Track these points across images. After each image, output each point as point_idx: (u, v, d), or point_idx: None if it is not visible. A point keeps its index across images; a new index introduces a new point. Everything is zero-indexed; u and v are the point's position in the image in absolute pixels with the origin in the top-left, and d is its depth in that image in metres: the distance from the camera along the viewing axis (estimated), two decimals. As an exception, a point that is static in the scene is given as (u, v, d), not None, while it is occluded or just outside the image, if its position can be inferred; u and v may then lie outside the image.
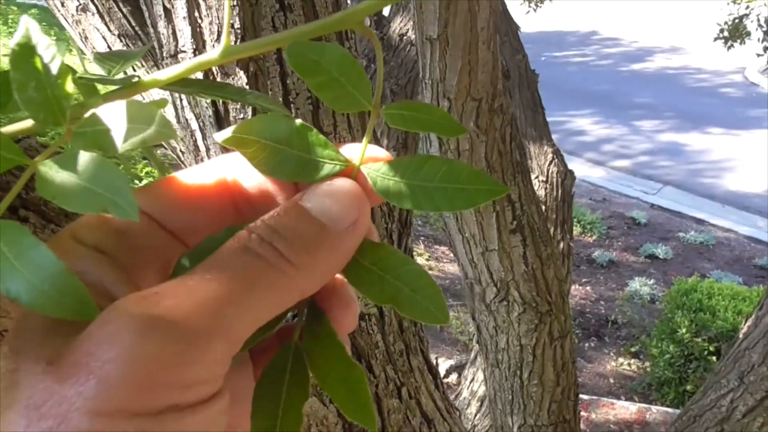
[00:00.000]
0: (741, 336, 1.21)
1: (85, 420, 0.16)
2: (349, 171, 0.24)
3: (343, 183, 0.23)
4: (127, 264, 0.22)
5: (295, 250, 0.21)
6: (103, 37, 1.46)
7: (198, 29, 0.68)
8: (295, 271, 0.21)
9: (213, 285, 0.19)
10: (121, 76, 0.26)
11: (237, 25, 0.66)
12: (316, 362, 0.23)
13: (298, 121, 0.24)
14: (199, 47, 0.67)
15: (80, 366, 0.17)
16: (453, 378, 3.11)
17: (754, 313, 1.20)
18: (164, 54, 0.71)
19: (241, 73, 0.67)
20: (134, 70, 1.23)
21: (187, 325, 0.18)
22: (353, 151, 0.24)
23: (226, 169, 0.25)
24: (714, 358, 2.70)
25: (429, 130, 0.24)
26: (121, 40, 1.47)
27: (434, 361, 0.83)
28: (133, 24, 1.43)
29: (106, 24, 1.46)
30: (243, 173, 0.25)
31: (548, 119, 1.85)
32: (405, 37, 2.03)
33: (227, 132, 0.23)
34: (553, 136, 1.86)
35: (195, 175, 0.25)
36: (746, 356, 1.16)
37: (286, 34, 0.25)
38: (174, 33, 0.70)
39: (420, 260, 4.05)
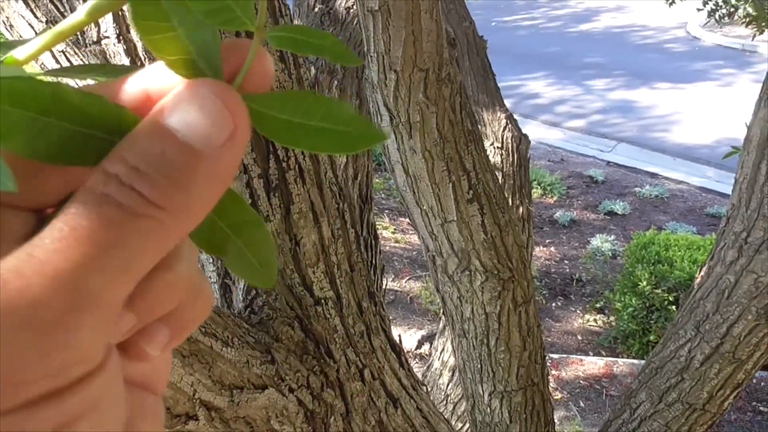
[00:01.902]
0: (695, 287, 1.25)
1: None
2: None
3: (209, 85, 0.19)
4: None
5: (162, 190, 0.17)
6: (30, 24, 1.38)
7: (120, 12, 0.64)
8: (167, 216, 0.17)
9: (68, 252, 0.16)
10: None
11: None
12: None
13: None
14: (123, 32, 0.63)
15: None
16: (425, 348, 3.14)
17: (707, 263, 1.23)
18: (87, 41, 0.67)
19: (171, 58, 0.64)
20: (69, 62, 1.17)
21: (44, 310, 0.15)
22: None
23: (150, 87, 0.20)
24: (674, 307, 2.79)
25: (320, 54, 0.21)
26: (49, 27, 1.39)
27: (398, 338, 0.83)
28: (62, 10, 1.36)
29: (31, 10, 1.38)
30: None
31: (502, 84, 1.85)
32: (352, 10, 1.99)
33: None
34: (508, 101, 1.86)
35: (109, 92, 0.20)
36: (701, 306, 1.19)
37: None
38: (96, 20, 0.67)
39: (386, 233, 4.06)
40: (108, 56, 0.67)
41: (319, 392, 0.62)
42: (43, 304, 0.15)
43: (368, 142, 0.19)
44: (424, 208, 1.15)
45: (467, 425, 1.50)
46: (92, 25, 0.66)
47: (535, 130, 5.54)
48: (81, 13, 0.21)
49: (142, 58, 0.65)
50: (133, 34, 0.64)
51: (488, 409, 1.28)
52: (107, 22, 0.65)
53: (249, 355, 0.56)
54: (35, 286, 0.16)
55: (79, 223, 0.16)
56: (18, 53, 0.21)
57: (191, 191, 0.18)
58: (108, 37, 0.64)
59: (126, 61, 0.68)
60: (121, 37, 0.64)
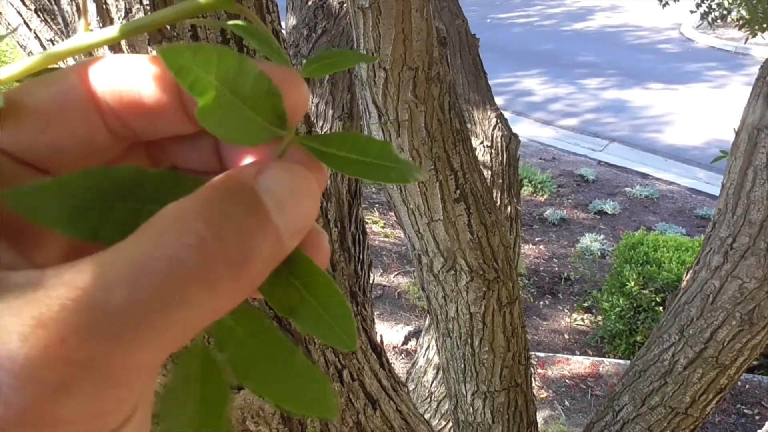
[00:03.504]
0: (681, 291, 1.25)
1: None
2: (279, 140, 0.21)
3: (306, 176, 0.19)
4: None
5: (241, 257, 0.17)
6: (18, 12, 1.36)
7: (104, 6, 0.63)
8: (233, 284, 0.17)
9: (125, 306, 0.15)
10: None
11: (145, 1, 0.61)
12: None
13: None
14: (106, 26, 0.62)
15: None
16: (412, 344, 3.14)
17: (692, 267, 1.24)
18: (71, 33, 0.66)
19: (153, 52, 0.63)
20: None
21: (98, 359, 0.14)
22: None
23: (88, 78, 0.20)
24: (661, 308, 2.80)
25: (347, 66, 0.24)
26: (38, 15, 1.37)
27: (380, 339, 0.82)
28: (54, -1, 1.34)
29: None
30: (110, 82, 0.20)
31: (495, 81, 1.84)
32: (345, 5, 1.98)
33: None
34: (502, 98, 1.86)
35: (50, 88, 0.20)
36: (685, 310, 1.19)
37: (172, 10, 0.22)
38: (79, 10, 0.65)
39: (375, 228, 4.05)
40: (93, 53, 0.66)
41: (297, 394, 0.61)
42: (94, 375, 0.15)
43: (410, 176, 0.22)
44: (411, 206, 1.15)
45: (450, 424, 1.50)
46: (75, 16, 0.65)
47: (527, 128, 5.54)
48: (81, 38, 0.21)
49: (125, 52, 0.64)
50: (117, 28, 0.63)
51: (471, 408, 1.28)
52: (90, 15, 0.64)
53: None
54: (88, 355, 0.15)
55: (140, 275, 0.15)
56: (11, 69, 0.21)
57: (261, 265, 0.18)
58: (91, 30, 0.63)
59: (107, 53, 0.66)
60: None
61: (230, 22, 0.23)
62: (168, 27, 0.63)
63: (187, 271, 0.16)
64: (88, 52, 0.66)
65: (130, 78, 0.20)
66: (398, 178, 0.22)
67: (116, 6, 0.63)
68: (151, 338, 0.15)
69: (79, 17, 0.66)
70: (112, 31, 0.22)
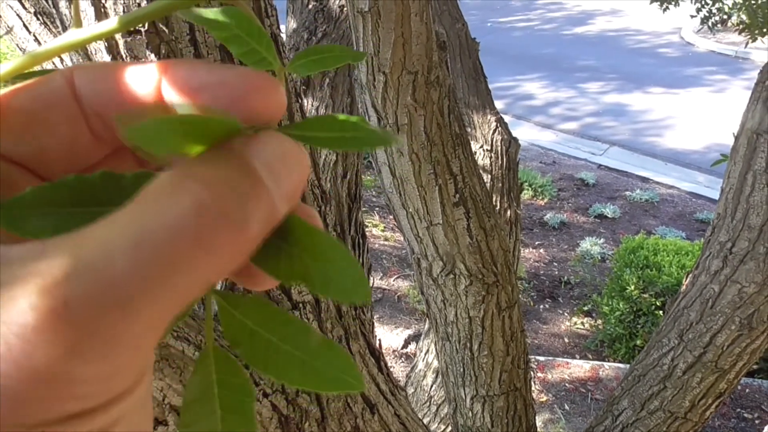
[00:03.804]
0: (680, 295, 1.25)
1: None
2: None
3: (294, 145, 0.20)
4: None
5: (240, 214, 0.17)
6: (18, 15, 1.36)
7: (102, 9, 0.63)
8: (234, 242, 0.17)
9: (128, 268, 0.15)
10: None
11: (144, 4, 0.61)
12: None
13: None
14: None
15: None
16: (411, 348, 3.14)
17: (692, 272, 1.23)
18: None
19: (153, 56, 0.63)
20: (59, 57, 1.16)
21: (106, 322, 0.15)
22: None
23: (73, 80, 0.20)
24: (660, 312, 2.80)
25: (335, 64, 0.24)
26: (37, 18, 1.37)
27: (378, 343, 0.82)
28: (50, 1, 1.35)
29: (20, 1, 1.36)
30: (94, 86, 0.20)
31: (496, 85, 1.85)
32: (345, 9, 1.98)
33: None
34: (502, 102, 1.86)
35: (36, 88, 0.20)
36: (685, 315, 1.19)
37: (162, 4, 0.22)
38: (77, 13, 0.65)
39: (375, 231, 4.05)
40: (89, 53, 0.66)
41: (293, 397, 0.61)
42: (102, 336, 0.15)
43: (386, 142, 0.21)
44: (410, 210, 1.15)
45: (450, 428, 1.50)
46: (72, 20, 0.65)
47: (528, 132, 5.54)
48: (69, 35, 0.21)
49: (123, 56, 0.64)
50: (114, 31, 0.63)
51: (470, 412, 1.27)
52: (89, 18, 0.64)
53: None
54: (96, 318, 0.15)
55: (139, 241, 0.16)
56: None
57: (256, 224, 0.18)
58: (88, 34, 0.63)
59: (107, 58, 0.66)
60: (101, 34, 0.63)
61: (210, 10, 0.23)
62: (166, 31, 0.63)
63: (186, 234, 0.16)
64: (84, 54, 0.66)
65: (113, 82, 0.20)
66: (377, 142, 0.21)
67: (114, 9, 0.63)
68: (154, 302, 0.16)
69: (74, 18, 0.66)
70: (104, 26, 0.22)
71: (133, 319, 0.15)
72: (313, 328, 0.20)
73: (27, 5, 1.34)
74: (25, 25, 1.35)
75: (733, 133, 1.17)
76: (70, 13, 0.65)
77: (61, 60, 1.04)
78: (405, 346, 3.16)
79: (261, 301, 0.20)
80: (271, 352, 0.20)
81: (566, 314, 3.48)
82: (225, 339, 0.20)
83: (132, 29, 0.61)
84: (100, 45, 0.65)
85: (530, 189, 4.64)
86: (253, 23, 0.22)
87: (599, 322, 3.26)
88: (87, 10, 0.64)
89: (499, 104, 1.81)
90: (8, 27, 1.32)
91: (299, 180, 0.20)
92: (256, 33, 0.22)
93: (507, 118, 1.88)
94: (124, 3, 0.63)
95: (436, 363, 1.75)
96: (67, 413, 0.15)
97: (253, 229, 0.18)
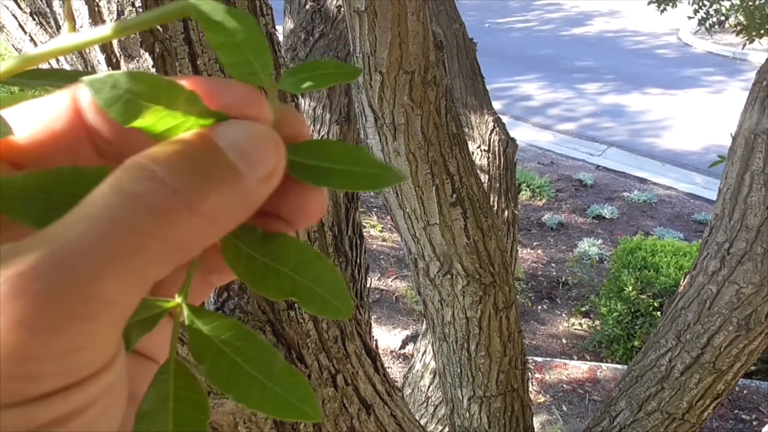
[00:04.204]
0: (678, 296, 1.24)
1: None
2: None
3: (263, 126, 0.20)
4: None
5: (200, 194, 0.17)
6: (13, 15, 1.36)
7: (96, 8, 0.63)
8: (195, 221, 0.17)
9: (88, 249, 0.16)
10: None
11: (138, 3, 0.61)
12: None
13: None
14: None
15: None
16: (409, 349, 3.14)
17: (689, 273, 1.23)
18: (61, 37, 0.65)
19: (147, 55, 0.62)
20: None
21: (61, 310, 0.15)
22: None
23: (77, 97, 0.20)
24: (658, 313, 2.80)
25: (329, 83, 0.23)
26: (33, 18, 1.37)
27: (374, 343, 0.82)
28: (45, 1, 1.35)
29: (16, 1, 1.36)
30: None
31: (494, 85, 1.85)
32: (343, 9, 1.98)
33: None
34: (500, 102, 1.86)
35: (41, 110, 0.20)
36: (682, 315, 1.19)
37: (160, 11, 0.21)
38: (69, 14, 0.65)
39: (373, 231, 4.05)
40: (84, 52, 0.66)
41: (289, 399, 0.60)
42: (58, 285, 0.15)
43: (387, 182, 0.21)
44: (407, 210, 1.14)
45: (447, 428, 1.49)
46: (67, 21, 0.65)
47: (526, 133, 5.55)
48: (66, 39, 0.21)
49: (118, 56, 0.63)
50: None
51: (467, 413, 1.27)
52: (83, 18, 0.64)
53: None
54: (46, 268, 0.15)
55: (100, 222, 0.16)
56: None
57: (225, 205, 0.18)
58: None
59: (102, 59, 0.66)
60: (95, 32, 0.63)
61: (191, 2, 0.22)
62: (160, 29, 0.63)
63: (143, 203, 0.17)
64: (80, 56, 0.65)
65: None
66: (371, 185, 0.21)
67: (108, 8, 0.63)
68: (113, 270, 0.16)
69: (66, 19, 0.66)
70: (98, 32, 0.21)
71: (92, 286, 0.15)
72: (278, 353, 0.20)
73: (23, 5, 1.33)
74: (20, 25, 1.34)
75: (731, 134, 1.17)
76: (63, 12, 0.65)
77: (57, 60, 1.04)
78: (403, 346, 3.16)
79: (232, 323, 0.21)
80: (233, 372, 0.20)
81: (564, 315, 3.48)
82: (190, 353, 0.20)
83: (126, 27, 0.60)
84: (95, 45, 0.65)
85: (528, 190, 4.64)
86: (261, 37, 0.22)
87: (597, 322, 3.26)
88: (81, 9, 0.64)
89: (497, 105, 1.81)
90: (7, 30, 1.31)
91: (275, 161, 0.19)
92: (257, 46, 0.21)
93: (505, 119, 1.87)
94: (118, 2, 0.63)
95: (433, 364, 1.75)
96: (24, 396, 0.15)
97: (211, 201, 0.18)
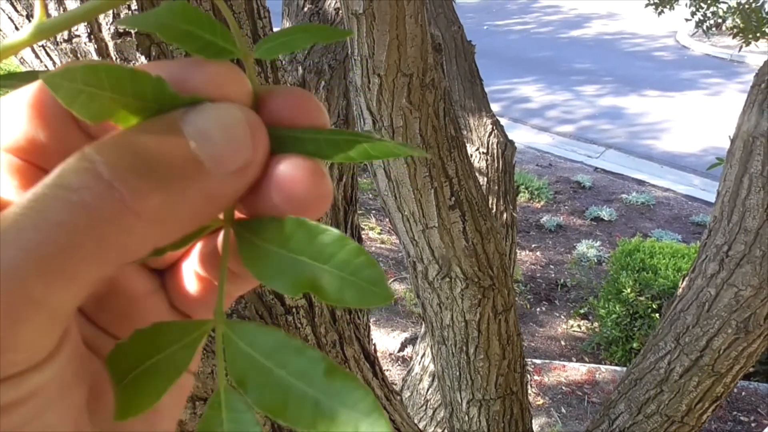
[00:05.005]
0: (676, 298, 1.24)
1: None
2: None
3: (238, 110, 0.17)
4: None
5: (145, 193, 0.16)
6: (10, 18, 1.35)
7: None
8: (139, 224, 0.16)
9: (17, 250, 0.15)
10: None
11: (134, 6, 0.61)
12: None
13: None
14: (95, 30, 0.62)
15: None
16: (408, 351, 3.13)
17: (688, 275, 1.23)
18: (58, 39, 0.65)
19: (143, 58, 0.62)
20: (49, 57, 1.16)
21: None
22: None
23: None
24: (657, 315, 2.80)
25: (306, 43, 0.21)
26: (29, 21, 1.37)
27: (373, 347, 0.81)
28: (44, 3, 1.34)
29: (12, 3, 1.35)
30: None
31: (492, 88, 1.84)
32: (341, 11, 1.97)
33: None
34: (499, 104, 1.86)
35: (28, 97, 0.19)
36: (681, 318, 1.19)
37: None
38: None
39: (372, 234, 4.04)
40: (79, 55, 0.65)
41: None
42: None
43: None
44: (406, 213, 1.14)
45: (446, 431, 1.49)
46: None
47: (524, 135, 5.55)
48: (25, 32, 0.20)
49: (114, 58, 0.63)
50: (105, 34, 0.62)
51: (466, 417, 1.27)
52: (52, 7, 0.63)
53: (214, 365, 0.54)
54: None
55: (35, 222, 0.15)
56: None
57: (176, 205, 0.16)
58: (79, 36, 0.62)
59: (95, 57, 0.66)
60: (92, 36, 0.62)
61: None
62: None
63: (76, 198, 0.15)
64: (74, 57, 0.65)
65: None
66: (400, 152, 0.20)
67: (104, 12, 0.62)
68: (40, 269, 0.15)
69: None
70: (71, 13, 0.20)
71: (8, 295, 0.14)
72: (328, 360, 0.18)
73: (19, 8, 1.33)
74: (17, 27, 1.34)
75: (729, 136, 1.17)
76: (58, 15, 0.65)
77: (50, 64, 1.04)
78: (401, 349, 3.15)
79: (271, 330, 0.18)
80: (280, 390, 0.17)
81: (563, 317, 3.48)
82: (230, 375, 0.18)
83: (122, 30, 0.60)
84: (90, 47, 0.64)
85: (526, 192, 4.64)
86: (200, 13, 0.20)
87: (596, 324, 3.26)
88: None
89: (495, 107, 1.81)
90: (1, 31, 1.31)
91: (250, 152, 0.17)
92: (206, 24, 0.20)
93: (503, 121, 1.87)
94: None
95: (432, 366, 1.74)
96: None
97: (155, 199, 0.16)
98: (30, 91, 0.19)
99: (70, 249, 0.15)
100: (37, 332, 0.15)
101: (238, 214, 0.20)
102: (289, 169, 0.18)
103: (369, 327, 2.18)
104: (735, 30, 2.28)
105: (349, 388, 0.17)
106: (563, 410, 2.73)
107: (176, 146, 0.16)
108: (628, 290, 2.86)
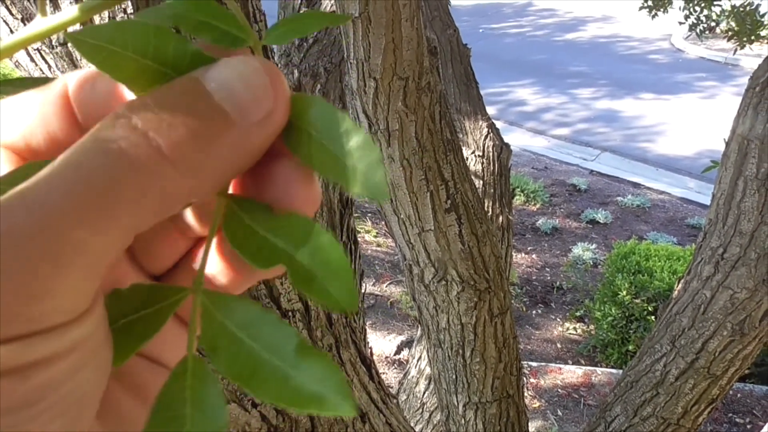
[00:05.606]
0: (672, 301, 1.25)
1: None
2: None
3: (256, 60, 0.18)
4: None
5: (179, 144, 0.16)
6: (5, 21, 1.35)
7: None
8: (175, 173, 0.16)
9: (59, 195, 0.15)
10: None
11: (129, 10, 0.61)
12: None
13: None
14: (57, 10, 0.61)
15: None
16: (404, 354, 3.13)
17: (684, 277, 1.23)
18: (53, 42, 0.65)
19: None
20: (44, 60, 1.15)
21: (28, 252, 0.14)
22: None
23: (68, 87, 0.20)
24: (652, 317, 2.80)
25: (316, 28, 0.22)
26: (25, 24, 1.36)
27: (369, 351, 0.81)
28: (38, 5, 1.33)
29: (7, 7, 1.35)
30: (82, 89, 0.20)
31: (488, 91, 1.85)
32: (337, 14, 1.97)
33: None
34: (494, 107, 1.86)
35: (30, 101, 0.20)
36: (677, 321, 1.19)
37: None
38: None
39: (368, 237, 4.04)
40: (74, 59, 0.65)
41: (283, 407, 0.60)
42: (28, 246, 0.14)
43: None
44: (402, 216, 1.14)
45: (442, 435, 1.49)
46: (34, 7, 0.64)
47: (520, 138, 5.56)
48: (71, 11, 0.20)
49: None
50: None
51: (462, 420, 1.27)
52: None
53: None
54: (21, 226, 0.15)
55: (76, 169, 0.16)
56: None
57: (208, 156, 0.17)
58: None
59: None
60: (87, 39, 0.62)
61: None
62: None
63: (116, 149, 0.16)
64: (70, 60, 0.65)
65: (104, 90, 0.20)
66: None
67: (100, 15, 0.62)
68: (83, 213, 0.15)
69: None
70: (67, 14, 0.21)
71: (54, 236, 0.15)
72: (300, 336, 0.18)
73: (14, 11, 1.33)
74: (11, 30, 1.34)
75: (724, 139, 1.18)
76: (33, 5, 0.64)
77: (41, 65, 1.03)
78: (398, 352, 3.15)
79: (250, 303, 0.19)
80: (250, 361, 0.17)
81: (558, 320, 3.48)
82: (202, 342, 0.18)
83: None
84: (87, 50, 0.64)
85: (522, 194, 4.65)
86: (213, 5, 0.21)
87: (591, 327, 3.26)
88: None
89: (491, 110, 1.81)
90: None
91: (271, 100, 0.18)
92: (220, 15, 0.20)
93: (499, 124, 1.88)
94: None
95: (428, 369, 1.74)
96: (10, 334, 0.14)
97: (196, 157, 0.17)
98: (30, 91, 0.20)
99: (110, 194, 0.16)
100: (79, 278, 0.15)
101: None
102: (288, 166, 0.19)
103: (365, 330, 2.18)
104: (730, 33, 2.29)
105: (319, 366, 0.17)
106: (559, 413, 2.73)
107: (202, 100, 0.17)
108: (624, 293, 2.87)
